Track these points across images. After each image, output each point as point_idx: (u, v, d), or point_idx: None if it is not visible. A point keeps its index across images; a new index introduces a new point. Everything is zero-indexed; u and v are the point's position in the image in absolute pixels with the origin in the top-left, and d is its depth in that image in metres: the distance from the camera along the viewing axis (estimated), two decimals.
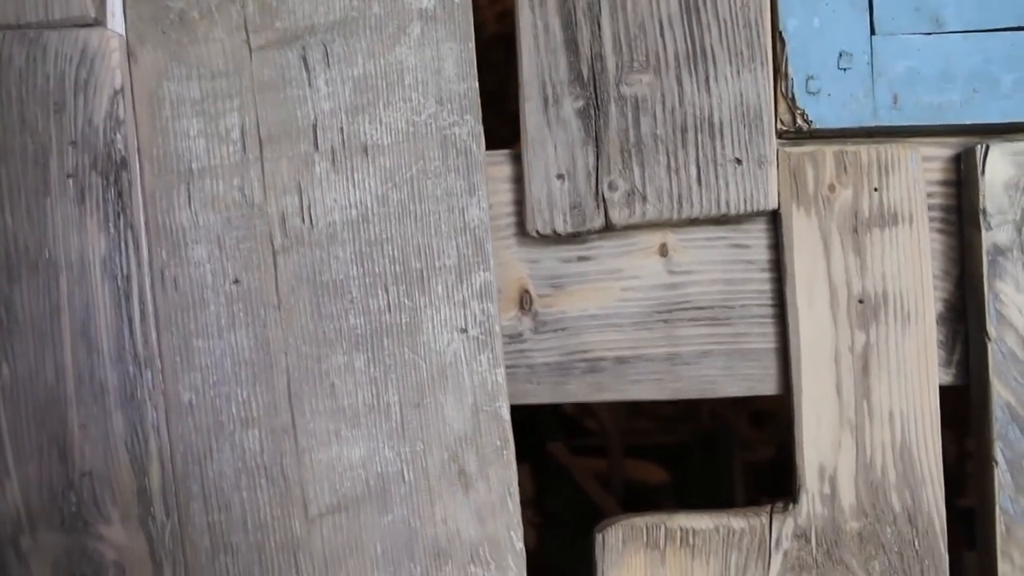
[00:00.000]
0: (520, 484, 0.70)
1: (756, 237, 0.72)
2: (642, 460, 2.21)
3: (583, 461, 2.21)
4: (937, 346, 0.73)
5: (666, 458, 2.29)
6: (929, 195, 0.72)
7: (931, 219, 0.72)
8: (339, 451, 0.71)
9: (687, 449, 2.33)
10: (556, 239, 0.71)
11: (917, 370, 0.70)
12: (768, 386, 0.72)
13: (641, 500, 1.99)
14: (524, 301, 0.72)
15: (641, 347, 0.72)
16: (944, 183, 0.72)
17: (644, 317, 0.72)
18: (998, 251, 0.69)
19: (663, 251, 0.72)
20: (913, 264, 0.70)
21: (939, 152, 0.72)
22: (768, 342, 0.72)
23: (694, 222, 0.71)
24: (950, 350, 0.73)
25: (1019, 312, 0.69)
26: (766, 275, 0.72)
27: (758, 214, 0.70)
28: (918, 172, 0.70)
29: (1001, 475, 0.70)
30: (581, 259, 0.72)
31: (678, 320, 0.72)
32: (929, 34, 0.70)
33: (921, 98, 0.70)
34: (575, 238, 0.71)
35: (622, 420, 2.25)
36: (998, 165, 0.69)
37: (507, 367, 0.72)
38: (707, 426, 2.34)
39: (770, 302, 0.72)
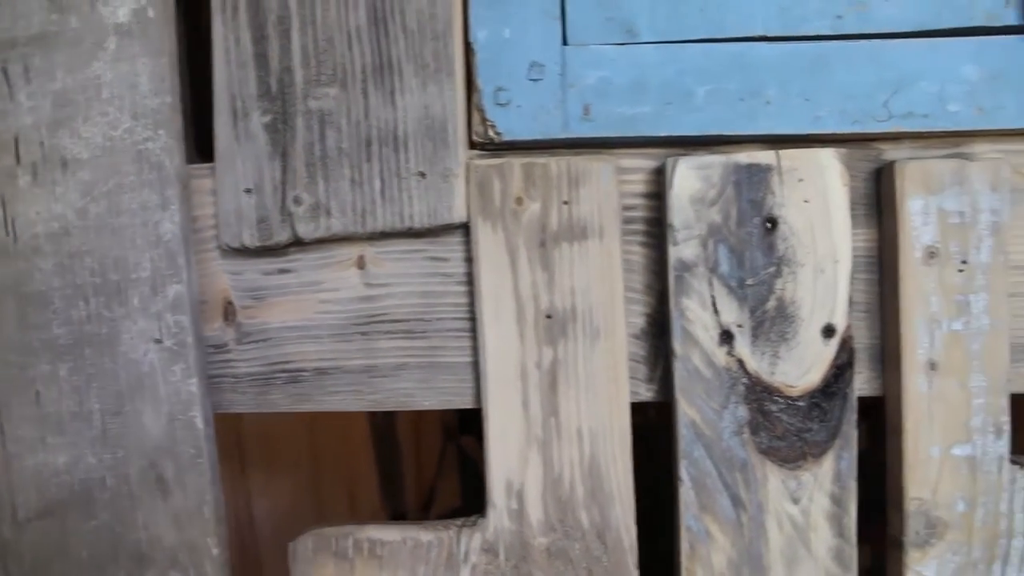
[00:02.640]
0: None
1: (453, 250, 0.71)
2: None
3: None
4: (641, 362, 0.72)
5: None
6: (632, 207, 0.71)
7: (634, 232, 0.71)
8: (45, 458, 0.72)
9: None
10: (258, 252, 0.72)
11: (606, 387, 0.69)
12: (465, 400, 0.72)
13: None
14: (228, 312, 0.73)
15: (339, 359, 0.73)
16: (647, 195, 0.71)
17: (342, 329, 0.72)
18: (684, 267, 0.68)
19: (360, 264, 0.72)
20: (603, 279, 0.69)
21: (642, 164, 0.71)
22: (464, 356, 0.72)
23: (390, 235, 0.71)
24: (652, 366, 0.72)
25: (704, 329, 0.68)
26: (462, 288, 0.71)
27: (446, 228, 0.70)
28: (610, 185, 0.69)
29: (686, 493, 0.69)
30: (282, 271, 0.73)
31: (375, 332, 0.72)
32: (622, 44, 0.69)
33: (613, 109, 0.69)
34: (276, 251, 0.72)
35: None
36: (686, 179, 0.68)
37: (213, 376, 0.73)
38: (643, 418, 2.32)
39: (466, 316, 0.72)
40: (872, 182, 0.71)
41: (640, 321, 0.72)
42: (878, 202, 0.71)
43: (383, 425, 1.56)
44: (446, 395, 0.72)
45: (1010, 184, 0.70)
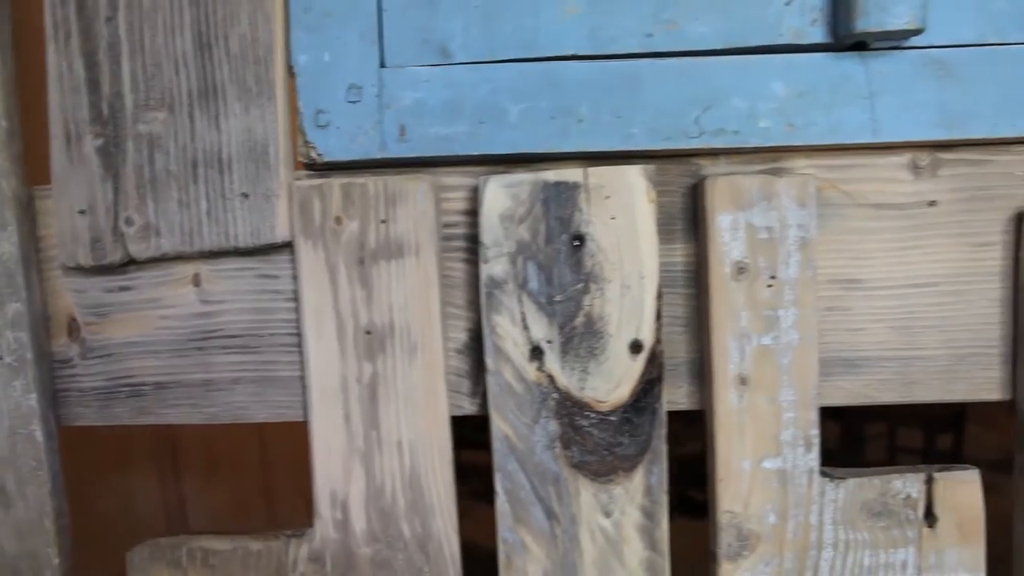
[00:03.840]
0: None
1: (282, 268, 0.73)
2: None
3: (478, 455, 2.23)
4: (464, 376, 0.74)
5: None
6: (454, 225, 0.73)
7: (456, 248, 0.73)
8: None
9: None
10: (98, 270, 0.74)
11: (425, 401, 0.71)
12: (296, 412, 0.74)
13: None
14: (72, 329, 0.76)
15: (178, 373, 0.75)
16: (467, 212, 0.72)
17: (180, 345, 0.75)
18: (494, 284, 0.69)
19: (196, 281, 0.74)
20: (420, 295, 0.71)
21: (463, 182, 0.72)
22: (295, 370, 0.74)
23: (222, 254, 0.73)
24: (475, 380, 0.73)
25: (515, 345, 0.69)
26: (291, 305, 0.73)
27: (274, 247, 0.72)
28: (426, 204, 0.70)
29: (501, 505, 0.71)
30: (123, 289, 0.75)
31: (211, 348, 0.74)
32: (436, 66, 0.70)
33: (428, 130, 0.70)
34: (115, 269, 0.74)
35: None
36: (496, 197, 0.69)
37: (60, 391, 0.76)
38: None
39: (296, 331, 0.74)
40: (691, 197, 0.72)
41: (463, 336, 0.73)
42: (695, 217, 0.72)
43: None
44: (279, 408, 0.75)
45: (817, 199, 0.71)
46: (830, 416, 2.69)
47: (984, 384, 0.73)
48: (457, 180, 0.72)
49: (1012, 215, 0.72)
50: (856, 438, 2.78)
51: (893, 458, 2.78)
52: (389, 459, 0.72)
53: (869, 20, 0.66)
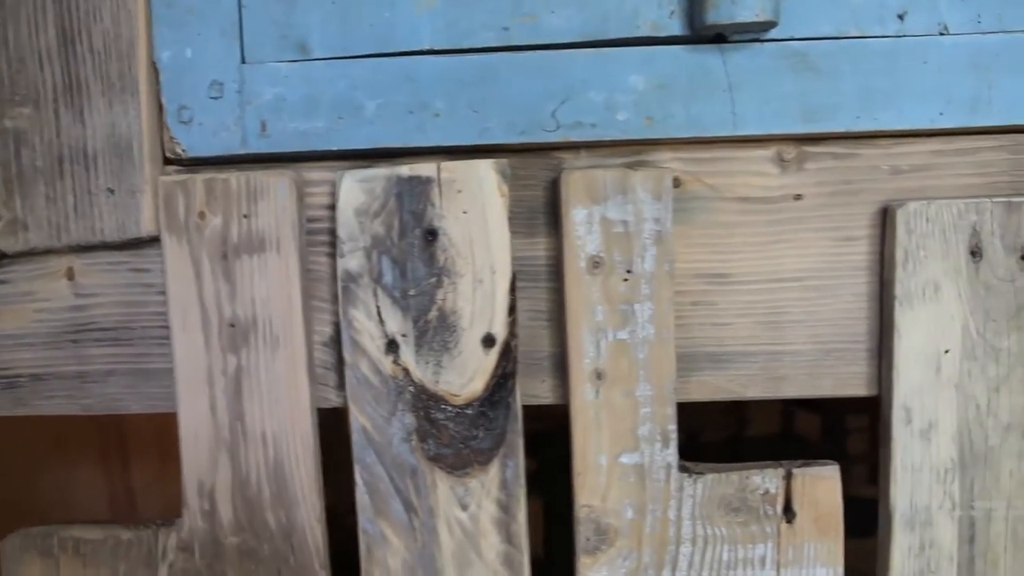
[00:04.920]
0: None
1: (153, 262, 0.74)
2: None
3: None
4: (331, 369, 0.74)
5: (532, 445, 2.30)
6: (318, 219, 0.73)
7: (321, 243, 0.73)
8: None
9: (550, 436, 2.33)
10: None
11: (288, 393, 0.72)
12: (169, 404, 0.75)
13: None
14: None
15: (53, 365, 0.76)
16: (330, 207, 0.73)
17: (55, 337, 0.76)
18: (350, 278, 0.70)
19: (70, 275, 0.75)
20: (282, 289, 0.71)
21: (326, 177, 0.73)
22: (167, 362, 0.75)
23: (93, 248, 0.74)
24: (340, 373, 0.74)
25: (371, 338, 0.70)
26: (162, 298, 0.74)
27: (144, 241, 0.73)
28: (288, 199, 0.71)
29: (361, 497, 0.71)
30: (1, 283, 0.76)
31: (86, 340, 0.76)
32: (295, 61, 0.70)
33: (288, 125, 0.71)
34: None
35: None
36: (351, 192, 0.69)
37: None
38: (567, 414, 2.32)
39: (166, 324, 0.74)
40: (552, 191, 0.72)
41: (329, 330, 0.74)
42: (555, 211, 0.72)
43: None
44: (152, 400, 0.76)
45: (682, 193, 0.71)
46: (811, 409, 2.66)
47: (850, 379, 0.73)
48: (321, 175, 0.73)
49: (878, 209, 0.71)
50: (838, 431, 2.75)
51: (876, 451, 2.75)
52: (254, 450, 0.72)
53: (720, 13, 0.65)
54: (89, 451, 1.41)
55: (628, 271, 0.68)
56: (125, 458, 1.50)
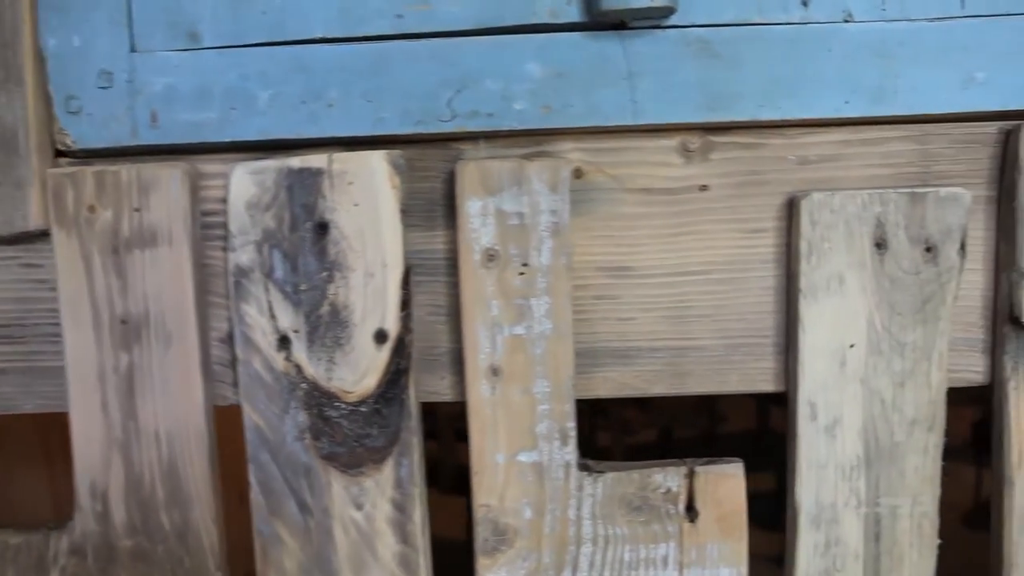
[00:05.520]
0: None
1: (45, 257, 0.72)
2: None
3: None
4: (228, 366, 0.72)
5: None
6: (214, 213, 0.71)
7: (217, 237, 0.71)
8: None
9: None
10: None
11: (181, 390, 0.70)
12: (63, 403, 0.73)
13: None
14: None
15: None
16: (226, 200, 0.71)
17: None
18: (241, 272, 0.68)
19: None
20: (174, 285, 0.69)
21: (221, 169, 0.70)
22: (60, 360, 0.72)
23: None
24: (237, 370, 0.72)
25: (263, 334, 0.68)
26: (54, 294, 0.72)
27: (30, 236, 0.71)
28: (179, 192, 0.69)
29: (255, 498, 0.69)
30: None
31: None
32: (186, 50, 0.69)
33: (179, 116, 0.69)
34: None
35: (455, 404, 2.26)
36: (242, 184, 0.67)
37: None
38: None
39: (59, 321, 0.72)
40: (451, 183, 0.70)
41: (226, 326, 0.72)
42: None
43: None
44: (46, 399, 0.74)
45: (585, 184, 0.69)
46: (786, 404, 2.65)
47: (758, 375, 0.71)
48: (217, 168, 0.71)
49: (785, 200, 0.69)
50: None
51: None
52: (147, 450, 0.71)
53: None
54: (32, 452, 1.38)
55: (524, 264, 0.67)
56: (69, 459, 1.48)
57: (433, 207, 0.70)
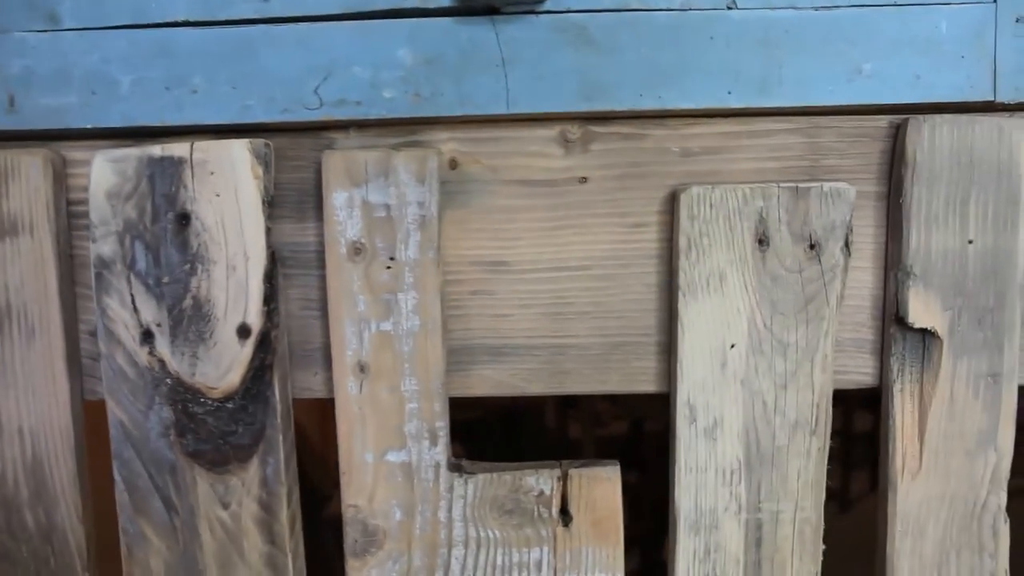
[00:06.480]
0: None
1: None
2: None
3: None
4: (98, 360, 0.70)
5: (465, 434, 2.27)
6: (82, 202, 0.69)
7: (84, 227, 0.69)
8: None
9: (487, 425, 2.30)
10: None
11: (45, 386, 0.68)
12: None
13: None
14: None
15: None
16: None
17: None
18: (103, 264, 0.66)
19: None
20: (36, 276, 0.67)
21: (90, 156, 0.68)
22: None
23: None
24: None
25: (126, 328, 0.66)
26: None
27: None
28: (40, 179, 0.66)
29: (120, 495, 0.68)
30: None
31: None
32: (44, 31, 0.66)
33: (39, 100, 0.66)
34: None
35: None
36: (102, 173, 0.65)
37: None
38: (506, 402, 2.30)
39: None
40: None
41: (95, 319, 0.70)
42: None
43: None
44: None
45: (460, 175, 0.66)
46: None
47: (639, 375, 0.69)
48: (82, 155, 0.68)
49: (668, 194, 0.67)
50: None
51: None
52: (10, 446, 0.69)
53: None
54: None
55: (391, 258, 0.64)
56: None
57: (304, 198, 0.68)
